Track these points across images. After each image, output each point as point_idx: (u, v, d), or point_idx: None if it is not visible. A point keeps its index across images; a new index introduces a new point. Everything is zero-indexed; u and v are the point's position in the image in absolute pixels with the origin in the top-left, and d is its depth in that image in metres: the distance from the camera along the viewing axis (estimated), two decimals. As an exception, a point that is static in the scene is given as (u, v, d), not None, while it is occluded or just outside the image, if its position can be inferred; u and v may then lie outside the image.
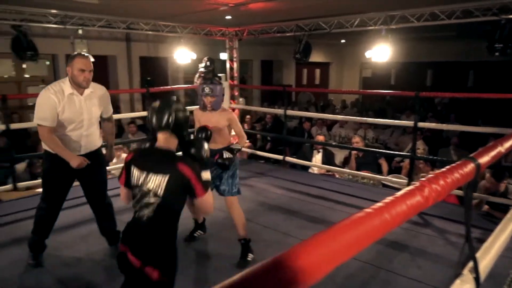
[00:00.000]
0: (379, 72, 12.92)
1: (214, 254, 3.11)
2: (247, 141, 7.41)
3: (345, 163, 5.97)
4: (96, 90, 2.89)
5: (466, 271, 1.20)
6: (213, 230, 3.48)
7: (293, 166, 6.10)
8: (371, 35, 5.94)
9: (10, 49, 4.88)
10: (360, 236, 0.64)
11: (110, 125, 3.18)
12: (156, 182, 1.75)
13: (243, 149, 6.74)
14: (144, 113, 5.42)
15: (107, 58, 9.23)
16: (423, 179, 0.86)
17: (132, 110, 9.34)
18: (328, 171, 5.63)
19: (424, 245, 3.25)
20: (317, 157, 5.83)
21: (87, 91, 2.79)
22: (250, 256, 2.94)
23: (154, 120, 1.83)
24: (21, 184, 4.39)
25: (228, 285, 0.51)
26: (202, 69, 6.12)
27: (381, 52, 5.27)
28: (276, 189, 4.70)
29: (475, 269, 1.17)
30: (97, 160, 2.92)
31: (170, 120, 1.81)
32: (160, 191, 1.75)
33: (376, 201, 2.89)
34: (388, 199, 0.74)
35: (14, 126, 4.61)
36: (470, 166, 1.04)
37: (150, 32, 6.01)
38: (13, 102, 7.49)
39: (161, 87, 5.71)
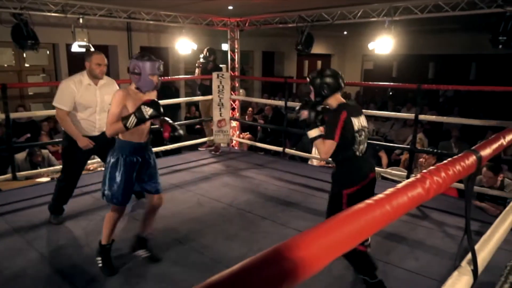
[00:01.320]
0: (381, 64, 12.85)
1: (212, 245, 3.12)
2: (247, 133, 7.41)
3: (345, 155, 5.96)
4: (109, 82, 3.40)
5: (464, 263, 1.20)
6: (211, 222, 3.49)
7: (293, 158, 6.10)
8: (374, 26, 5.89)
9: (10, 38, 4.85)
10: (361, 227, 0.64)
11: None
12: (364, 121, 2.42)
13: (243, 140, 6.74)
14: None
15: (107, 48, 9.17)
16: (424, 171, 0.86)
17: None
18: (327, 163, 5.63)
19: (422, 237, 3.26)
20: (317, 149, 5.82)
21: (101, 82, 3.31)
22: (99, 260, 2.69)
23: (336, 82, 2.37)
24: (21, 174, 4.39)
25: (227, 275, 0.50)
26: (201, 60, 6.10)
27: (384, 44, 5.23)
28: (276, 181, 4.71)
29: (473, 262, 1.17)
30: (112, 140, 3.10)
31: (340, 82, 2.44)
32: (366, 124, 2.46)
33: (375, 194, 2.89)
34: (389, 190, 0.73)
35: (14, 115, 4.60)
36: (472, 159, 1.03)
37: (151, 22, 5.96)
38: (14, 92, 7.47)
39: (162, 78, 5.66)
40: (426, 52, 11.98)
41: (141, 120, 2.38)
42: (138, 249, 2.81)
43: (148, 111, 2.37)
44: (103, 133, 3.17)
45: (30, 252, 2.91)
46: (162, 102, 2.72)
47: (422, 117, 4.53)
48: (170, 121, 2.64)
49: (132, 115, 2.37)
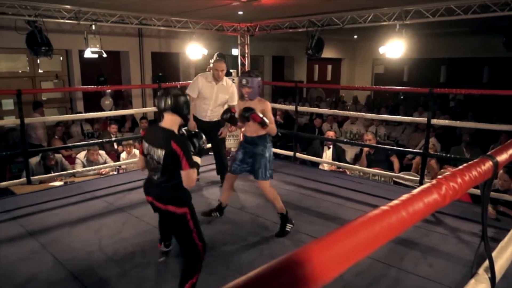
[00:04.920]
0: (392, 69, 12.76)
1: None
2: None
3: (356, 160, 5.93)
4: (228, 84, 4.31)
5: (481, 271, 1.18)
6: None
7: (303, 162, 6.08)
8: (384, 30, 5.86)
9: (25, 45, 4.94)
10: (376, 234, 0.63)
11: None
12: (158, 154, 2.29)
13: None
14: (155, 109, 5.45)
15: (119, 54, 9.29)
16: (440, 176, 0.84)
17: (144, 106, 9.39)
18: (338, 167, 5.60)
19: (435, 243, 3.21)
20: (328, 154, 5.80)
21: (220, 83, 4.24)
22: (288, 227, 3.37)
23: (159, 103, 2.35)
24: (35, 178, 4.45)
25: (242, 283, 0.50)
26: (211, 65, 6.13)
27: (395, 48, 5.20)
28: (286, 185, 4.69)
29: (491, 269, 1.14)
30: (217, 128, 4.25)
31: (170, 102, 2.31)
32: (161, 161, 2.28)
33: (387, 199, 2.86)
34: (405, 196, 0.73)
35: (28, 120, 4.67)
36: (488, 164, 1.02)
37: (162, 28, 6.03)
38: (28, 98, 7.59)
39: (173, 83, 5.72)
40: (438, 56, 11.87)
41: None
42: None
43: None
44: (213, 122, 4.30)
45: (44, 256, 2.95)
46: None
47: (434, 121, 4.48)
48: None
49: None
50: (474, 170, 0.93)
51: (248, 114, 3.16)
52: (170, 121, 2.33)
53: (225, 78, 4.31)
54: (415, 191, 0.75)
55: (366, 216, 0.65)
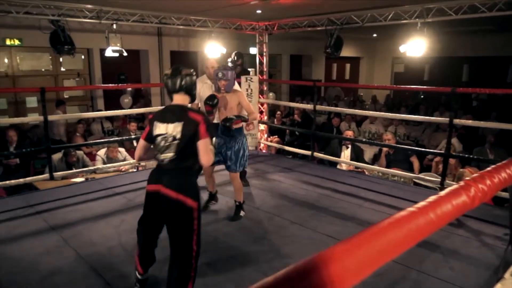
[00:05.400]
0: (412, 67, 12.53)
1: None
2: (276, 136, 7.40)
3: (375, 160, 5.85)
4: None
5: (507, 275, 1.15)
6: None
7: (321, 161, 6.04)
8: (405, 28, 5.76)
9: (48, 44, 5.06)
10: (404, 237, 0.62)
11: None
12: (175, 128, 2.21)
13: (272, 144, 6.74)
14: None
15: (139, 52, 9.42)
16: (468, 178, 0.83)
17: (163, 104, 9.49)
18: (357, 167, 5.54)
19: (457, 246, 3.14)
20: (346, 153, 5.74)
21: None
22: (242, 213, 3.68)
23: (170, 84, 2.29)
24: (57, 174, 4.56)
25: (269, 284, 0.50)
26: (229, 64, 6.16)
27: (416, 47, 5.09)
28: (304, 185, 4.67)
29: (518, 274, 1.11)
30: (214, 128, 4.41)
31: (182, 83, 2.28)
32: (178, 134, 2.20)
33: (407, 200, 2.84)
34: (432, 198, 0.71)
35: (51, 117, 4.78)
36: (518, 166, 0.99)
37: (181, 27, 6.07)
38: (51, 96, 7.78)
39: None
40: (460, 55, 11.60)
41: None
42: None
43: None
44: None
45: (66, 250, 3.02)
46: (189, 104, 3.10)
47: (457, 121, 4.38)
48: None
49: None
50: (503, 172, 0.90)
51: (229, 124, 3.33)
52: (182, 101, 2.32)
53: None
54: (443, 193, 0.74)
55: (393, 218, 0.64)
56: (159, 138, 2.26)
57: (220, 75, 3.42)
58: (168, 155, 2.23)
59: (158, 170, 2.30)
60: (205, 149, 2.19)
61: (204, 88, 4.16)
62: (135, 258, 2.42)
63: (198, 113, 2.27)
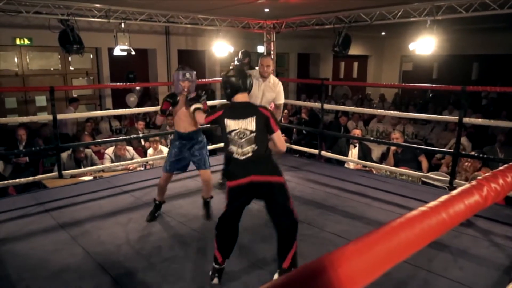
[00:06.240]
0: (421, 65, 12.44)
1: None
2: (283, 135, 7.37)
3: (383, 158, 5.81)
4: (274, 82, 4.18)
5: (520, 276, 1.13)
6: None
7: (328, 160, 6.01)
8: (414, 26, 5.71)
9: (57, 43, 5.10)
10: (416, 237, 0.61)
11: (277, 111, 4.34)
12: (250, 122, 2.45)
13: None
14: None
15: (147, 51, 9.46)
16: (480, 177, 0.81)
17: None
18: (364, 166, 5.50)
19: (466, 246, 3.10)
20: (353, 152, 5.71)
21: (266, 80, 4.13)
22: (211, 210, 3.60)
23: (239, 84, 2.54)
24: (66, 172, 4.60)
25: (278, 284, 0.49)
26: (236, 62, 6.15)
27: (425, 45, 5.05)
28: (311, 184, 4.65)
29: (531, 275, 1.09)
30: None
31: (249, 83, 2.60)
32: (254, 127, 2.45)
33: (416, 199, 2.81)
34: (444, 197, 0.70)
35: (60, 116, 4.82)
36: (531, 165, 0.97)
37: (189, 25, 6.09)
38: (60, 94, 7.85)
39: (199, 80, 5.77)
40: (470, 53, 11.48)
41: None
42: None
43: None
44: None
45: (75, 247, 3.04)
46: (197, 105, 3.20)
47: (466, 120, 4.33)
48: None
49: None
50: (516, 171, 0.88)
51: (201, 100, 3.22)
52: (246, 99, 2.59)
53: (271, 76, 4.23)
54: (454, 192, 0.72)
55: (404, 218, 0.63)
56: (233, 134, 2.48)
57: (188, 75, 3.35)
58: (250, 148, 2.45)
59: (242, 164, 2.48)
60: (279, 140, 2.55)
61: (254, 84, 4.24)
62: (215, 252, 2.56)
63: (266, 109, 2.54)
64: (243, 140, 2.45)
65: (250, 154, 2.46)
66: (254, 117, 2.45)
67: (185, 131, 3.41)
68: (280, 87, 4.24)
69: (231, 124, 2.48)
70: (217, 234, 2.57)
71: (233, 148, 2.49)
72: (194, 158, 3.47)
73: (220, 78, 4.37)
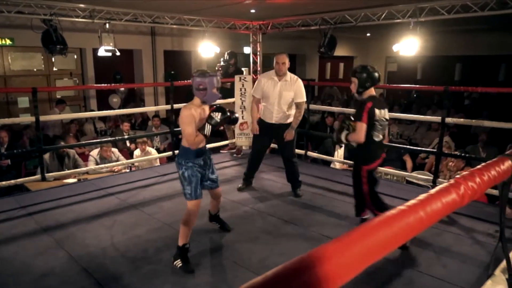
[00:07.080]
0: (405, 66, 12.62)
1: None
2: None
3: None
4: (292, 80, 3.99)
5: (498, 272, 1.16)
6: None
7: (314, 160, 6.05)
8: (398, 28, 5.79)
9: (40, 43, 5.01)
10: (394, 234, 0.62)
11: (297, 111, 4.06)
12: (386, 113, 2.97)
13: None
14: (168, 107, 5.47)
15: (132, 52, 9.37)
16: (458, 176, 0.83)
17: (156, 104, 9.46)
18: (350, 166, 5.55)
19: (449, 243, 3.16)
20: (339, 152, 5.76)
21: (283, 79, 3.97)
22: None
23: (378, 77, 2.94)
24: (49, 175, 4.52)
25: (259, 283, 0.50)
26: (221, 63, 6.14)
27: (409, 46, 5.12)
28: (298, 184, 4.67)
29: (509, 270, 1.12)
30: (284, 130, 4.05)
31: (377, 77, 2.96)
32: (387, 117, 2.98)
33: (400, 198, 2.85)
34: (422, 196, 0.71)
35: (43, 118, 4.74)
36: (507, 164, 0.99)
37: (175, 26, 6.05)
38: (43, 96, 7.72)
39: (185, 81, 5.76)
40: (453, 54, 11.70)
41: (214, 125, 2.71)
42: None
43: (217, 115, 2.69)
44: (281, 125, 4.02)
45: (58, 251, 2.99)
46: (182, 104, 2.98)
47: (449, 120, 4.40)
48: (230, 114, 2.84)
49: (207, 124, 2.69)
50: (493, 170, 0.91)
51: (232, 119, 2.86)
52: (375, 92, 3.03)
53: (288, 73, 3.99)
54: (433, 191, 0.74)
55: (383, 216, 0.64)
56: (378, 121, 2.90)
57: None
58: (384, 133, 2.98)
59: (380, 146, 3.05)
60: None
61: (268, 84, 3.98)
62: None
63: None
64: (382, 127, 2.96)
65: (381, 138, 3.03)
66: (387, 108, 3.03)
67: (203, 145, 2.89)
68: (298, 83, 3.98)
69: (378, 113, 2.91)
70: (378, 197, 3.15)
71: (374, 132, 2.93)
72: (213, 176, 2.99)
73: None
